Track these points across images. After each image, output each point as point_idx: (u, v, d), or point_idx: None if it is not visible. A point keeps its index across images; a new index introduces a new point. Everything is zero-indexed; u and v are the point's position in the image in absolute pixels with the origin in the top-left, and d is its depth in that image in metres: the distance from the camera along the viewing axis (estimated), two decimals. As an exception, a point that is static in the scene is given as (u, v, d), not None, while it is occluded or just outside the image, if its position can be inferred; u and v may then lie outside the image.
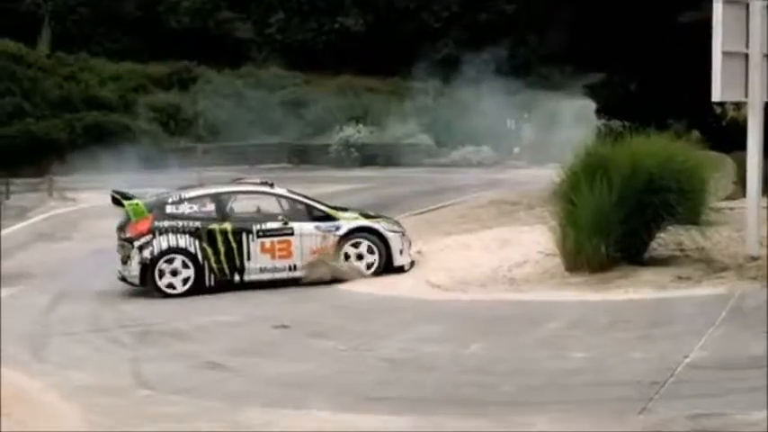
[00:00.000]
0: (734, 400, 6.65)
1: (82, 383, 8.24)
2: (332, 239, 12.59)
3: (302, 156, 34.66)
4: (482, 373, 7.97)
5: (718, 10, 11.05)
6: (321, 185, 21.50)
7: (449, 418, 6.85)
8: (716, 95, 11.29)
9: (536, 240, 13.05)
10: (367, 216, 13.30)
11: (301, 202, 12.93)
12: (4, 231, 17.18)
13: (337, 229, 12.69)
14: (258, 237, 12.48)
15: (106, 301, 12.19)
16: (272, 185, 13.16)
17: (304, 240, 12.56)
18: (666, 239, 12.17)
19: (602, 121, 20.77)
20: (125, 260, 12.40)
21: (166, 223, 12.36)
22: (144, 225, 12.35)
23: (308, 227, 12.64)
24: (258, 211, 12.94)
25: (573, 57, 20.66)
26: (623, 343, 8.56)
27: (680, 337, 8.56)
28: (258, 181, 13.64)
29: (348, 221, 12.84)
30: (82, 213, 20.20)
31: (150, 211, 12.46)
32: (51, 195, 22.90)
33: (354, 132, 33.82)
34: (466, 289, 11.70)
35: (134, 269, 12.30)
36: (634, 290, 10.82)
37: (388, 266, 12.71)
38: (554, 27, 19.50)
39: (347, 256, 12.61)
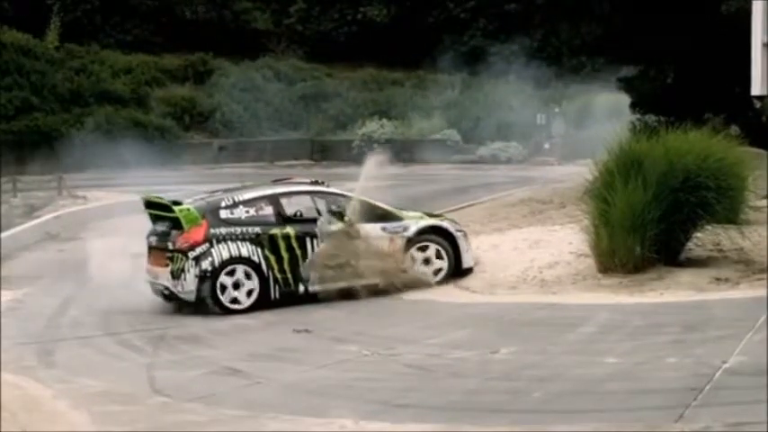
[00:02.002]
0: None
1: (94, 390, 8.13)
2: (399, 242, 11.66)
3: (324, 152, 34.34)
4: (511, 379, 7.83)
5: (757, 1, 10.73)
6: (344, 183, 21.23)
7: (476, 427, 6.67)
8: (755, 89, 10.99)
9: (568, 240, 12.98)
10: (430, 215, 12.57)
11: (364, 202, 11.86)
12: (12, 231, 17.03)
13: (405, 229, 11.75)
14: (323, 241, 11.45)
15: (119, 304, 11.84)
16: (322, 184, 12.24)
17: (370, 243, 11.58)
18: (704, 239, 12.07)
19: (637, 115, 20.44)
20: (177, 274, 11.06)
21: (223, 230, 11.10)
22: (198, 233, 11.05)
23: (375, 228, 11.66)
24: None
25: (606, 48, 20.32)
26: (658, 348, 8.41)
27: (718, 342, 8.42)
28: (309, 180, 12.62)
29: (415, 221, 11.94)
30: (93, 212, 20.06)
31: (203, 217, 11.22)
32: (61, 193, 22.78)
33: (378, 127, 33.45)
34: (495, 291, 11.62)
35: (189, 283, 10.98)
36: (670, 292, 10.71)
37: (456, 269, 11.93)
38: (587, 17, 19.15)
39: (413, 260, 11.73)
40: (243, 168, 29.66)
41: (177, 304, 11.50)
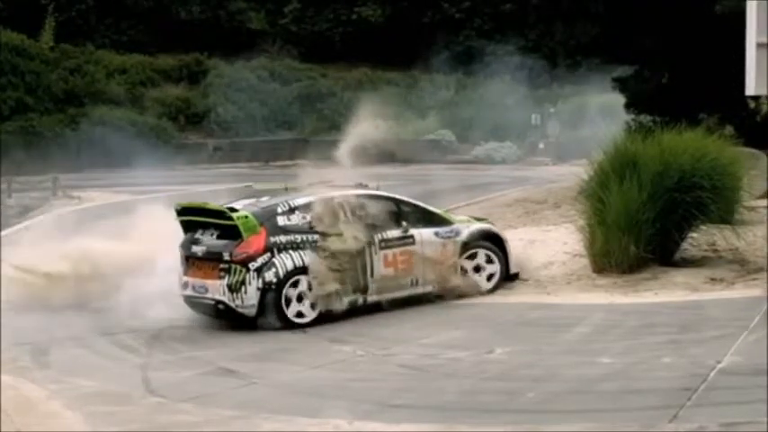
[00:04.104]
0: (769, 409, 6.43)
1: (88, 391, 8.08)
2: (451, 247, 11.06)
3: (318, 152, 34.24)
4: (506, 379, 7.81)
5: (751, 1, 10.70)
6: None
7: (471, 427, 6.67)
8: (750, 89, 10.95)
9: (563, 240, 12.98)
10: (477, 219, 12.04)
11: (411, 205, 11.21)
12: (5, 231, 16.92)
13: (456, 234, 11.11)
14: (381, 248, 10.65)
15: (112, 304, 11.48)
16: (366, 187, 11.37)
17: (425, 249, 10.88)
18: (699, 239, 12.08)
19: (632, 115, 20.46)
20: (236, 287, 10.09)
21: (283, 238, 10.26)
22: (258, 242, 10.17)
23: (428, 233, 10.96)
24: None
25: (601, 48, 20.35)
26: (653, 348, 8.41)
27: (712, 342, 8.42)
28: (354, 183, 11.49)
29: (466, 225, 11.33)
30: (87, 212, 19.96)
31: (260, 224, 10.37)
32: (55, 194, 22.71)
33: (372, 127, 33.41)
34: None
35: (251, 297, 10.05)
36: (665, 292, 10.70)
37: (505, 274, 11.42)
38: (582, 17, 19.21)
39: (464, 269, 11.11)
40: (238, 168, 29.66)
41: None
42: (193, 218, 10.71)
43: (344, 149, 12.02)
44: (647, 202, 11.33)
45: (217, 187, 22.10)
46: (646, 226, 11.36)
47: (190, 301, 10.60)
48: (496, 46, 33.95)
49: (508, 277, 11.46)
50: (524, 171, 27.46)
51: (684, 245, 12.00)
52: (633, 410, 6.72)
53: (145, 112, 34.10)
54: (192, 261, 10.55)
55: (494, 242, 11.42)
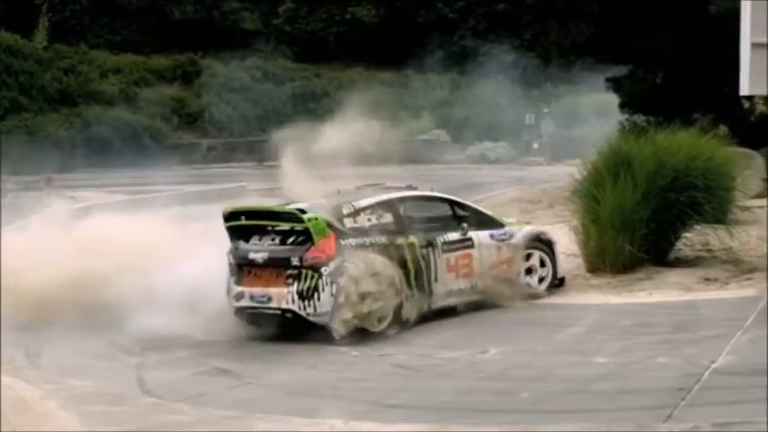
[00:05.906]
0: (763, 408, 6.40)
1: (83, 391, 8.06)
2: (506, 249, 10.64)
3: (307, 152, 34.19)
4: (500, 379, 7.81)
5: (746, 1, 10.73)
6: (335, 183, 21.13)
7: (466, 427, 6.66)
8: (744, 89, 10.98)
9: (557, 240, 12.81)
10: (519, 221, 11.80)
11: (465, 206, 10.91)
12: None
13: (510, 236, 10.72)
14: (443, 252, 10.20)
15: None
16: (416, 188, 11.00)
17: (483, 253, 10.47)
18: (693, 239, 12.11)
19: (626, 115, 20.53)
20: (307, 294, 9.37)
21: (353, 241, 9.65)
22: (330, 245, 9.50)
23: (484, 236, 10.54)
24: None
25: (596, 48, 20.42)
26: (647, 348, 8.41)
27: (706, 342, 8.42)
28: (402, 185, 11.09)
29: (517, 227, 10.99)
30: (81, 212, 19.90)
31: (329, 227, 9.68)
32: (49, 194, 22.65)
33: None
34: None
35: (324, 304, 9.33)
36: (659, 292, 10.70)
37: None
38: (576, 17, 19.30)
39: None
40: (232, 168, 29.65)
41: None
42: (245, 222, 9.90)
43: (338, 149, 11.92)
44: (642, 201, 11.36)
45: (213, 187, 22.15)
46: (640, 225, 11.38)
47: (244, 312, 9.76)
48: (491, 46, 34.00)
49: (555, 282, 11.09)
50: (518, 171, 27.48)
51: (678, 245, 12.03)
52: (628, 410, 6.72)
53: (139, 111, 34.04)
54: (247, 269, 9.72)
55: (545, 245, 11.10)
